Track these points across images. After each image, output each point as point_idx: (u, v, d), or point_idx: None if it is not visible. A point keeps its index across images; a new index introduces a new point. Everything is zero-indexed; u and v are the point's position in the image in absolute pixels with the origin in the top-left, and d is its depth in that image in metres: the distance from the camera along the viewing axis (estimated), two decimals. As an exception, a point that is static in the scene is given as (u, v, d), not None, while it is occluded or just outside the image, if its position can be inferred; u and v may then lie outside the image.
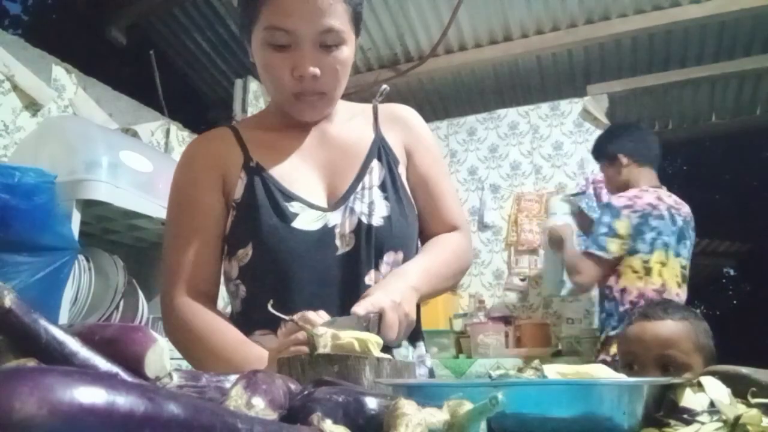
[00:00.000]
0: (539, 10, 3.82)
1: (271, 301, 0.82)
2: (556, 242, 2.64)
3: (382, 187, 1.02)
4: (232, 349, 0.90)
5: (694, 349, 1.19)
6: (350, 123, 1.09)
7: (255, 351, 0.89)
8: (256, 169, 1.00)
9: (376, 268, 0.99)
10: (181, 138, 3.20)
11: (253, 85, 3.87)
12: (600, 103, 3.89)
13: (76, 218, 1.88)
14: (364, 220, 0.98)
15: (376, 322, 0.83)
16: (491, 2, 3.80)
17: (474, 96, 4.72)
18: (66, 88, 2.62)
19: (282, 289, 0.95)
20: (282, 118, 1.05)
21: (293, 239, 0.96)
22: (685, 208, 2.45)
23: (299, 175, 1.02)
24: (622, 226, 2.30)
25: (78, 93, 2.67)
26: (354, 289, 0.95)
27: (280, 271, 0.96)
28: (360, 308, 0.83)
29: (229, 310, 1.08)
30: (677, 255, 2.34)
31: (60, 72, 2.61)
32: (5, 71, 2.32)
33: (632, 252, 2.32)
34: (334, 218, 0.99)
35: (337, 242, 0.98)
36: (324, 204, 1.01)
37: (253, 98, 3.87)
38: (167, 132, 3.10)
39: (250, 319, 0.98)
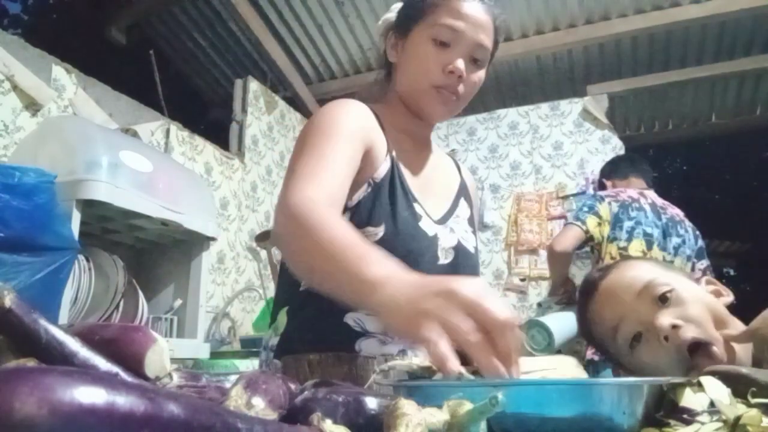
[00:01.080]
0: (539, 10, 3.82)
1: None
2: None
3: (469, 221, 1.15)
4: (347, 245, 0.73)
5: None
6: (443, 159, 1.23)
7: (373, 255, 0.71)
8: (395, 161, 1.06)
9: None
10: (181, 138, 3.20)
11: (253, 85, 3.87)
12: (600, 103, 3.89)
13: (76, 218, 1.88)
14: (462, 243, 1.09)
15: None
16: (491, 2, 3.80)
17: (474, 96, 4.72)
18: (66, 88, 2.62)
19: None
20: (405, 121, 1.11)
21: (418, 236, 1.02)
22: (674, 210, 2.54)
23: (416, 183, 1.09)
24: (603, 209, 2.46)
25: (78, 93, 2.67)
26: None
27: (402, 259, 0.92)
28: None
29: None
30: (663, 249, 2.41)
31: (60, 72, 2.61)
32: (5, 71, 2.32)
33: (611, 239, 2.43)
34: (440, 232, 1.07)
35: (439, 253, 1.05)
36: (433, 216, 1.08)
37: (253, 98, 3.87)
38: (167, 132, 3.10)
39: None
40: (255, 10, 3.87)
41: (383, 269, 0.67)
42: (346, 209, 0.99)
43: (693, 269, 2.47)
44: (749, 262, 8.33)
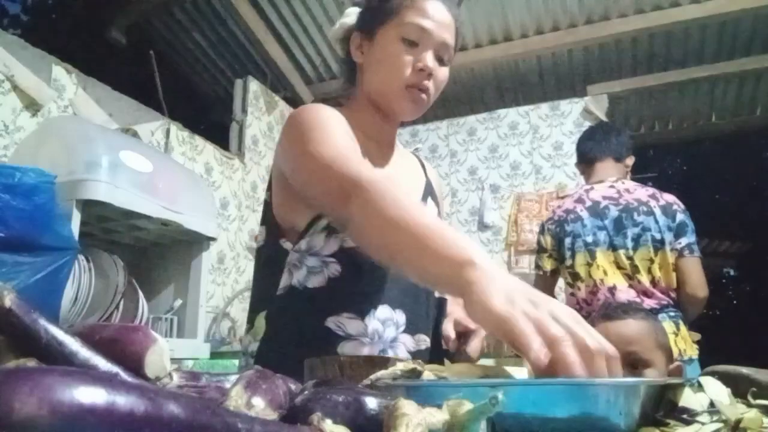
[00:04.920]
0: (539, 10, 3.82)
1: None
2: None
3: None
4: (430, 225, 0.73)
5: (656, 346, 1.21)
6: (407, 159, 1.22)
7: (459, 235, 0.72)
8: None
9: None
10: (181, 138, 3.20)
11: (253, 85, 3.87)
12: (600, 104, 3.90)
13: (76, 218, 1.88)
14: None
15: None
16: (491, 2, 3.80)
17: (474, 96, 4.72)
18: (66, 88, 2.62)
19: (378, 280, 1.02)
20: (371, 123, 1.11)
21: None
22: (632, 195, 2.26)
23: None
24: (546, 240, 2.41)
25: (78, 93, 2.67)
26: (434, 298, 1.10)
27: (371, 292, 1.03)
28: (450, 330, 0.99)
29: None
30: (614, 249, 2.20)
31: (60, 72, 2.61)
32: (5, 71, 2.32)
33: (562, 261, 2.33)
34: None
35: None
36: None
37: (253, 98, 3.87)
38: (167, 132, 3.10)
39: (335, 298, 1.00)
40: (255, 10, 3.87)
41: (471, 251, 0.66)
42: (298, 238, 1.03)
43: (665, 250, 2.17)
44: (749, 262, 8.33)
